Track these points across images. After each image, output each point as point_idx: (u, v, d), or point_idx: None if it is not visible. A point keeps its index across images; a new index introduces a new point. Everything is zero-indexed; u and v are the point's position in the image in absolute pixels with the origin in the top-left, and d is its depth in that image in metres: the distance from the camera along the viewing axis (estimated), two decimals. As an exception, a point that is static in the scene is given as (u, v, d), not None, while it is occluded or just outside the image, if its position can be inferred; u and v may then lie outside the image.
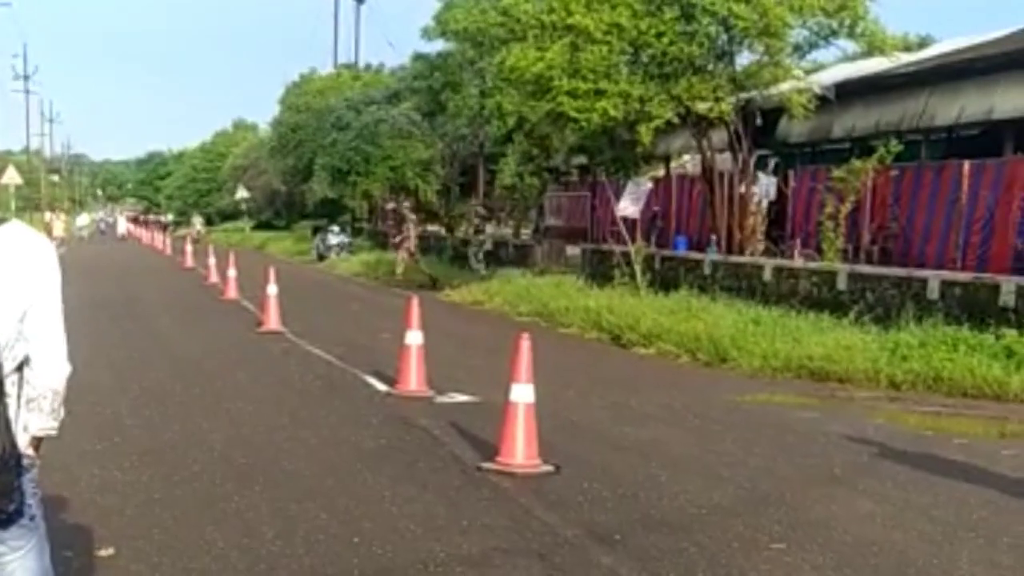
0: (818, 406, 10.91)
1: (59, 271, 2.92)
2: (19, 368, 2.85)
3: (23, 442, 2.87)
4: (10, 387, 2.81)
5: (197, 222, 62.17)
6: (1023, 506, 6.99)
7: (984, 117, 17.62)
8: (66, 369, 2.93)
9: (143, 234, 68.01)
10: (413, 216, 29.91)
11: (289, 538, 5.92)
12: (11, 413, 2.79)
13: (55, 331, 2.89)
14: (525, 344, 7.63)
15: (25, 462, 2.87)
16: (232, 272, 22.71)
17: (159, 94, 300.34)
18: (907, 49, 18.47)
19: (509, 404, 7.56)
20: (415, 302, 10.89)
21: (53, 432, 2.97)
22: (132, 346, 14.52)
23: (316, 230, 42.83)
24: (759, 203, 19.52)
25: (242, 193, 57.27)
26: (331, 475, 7.44)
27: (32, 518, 2.93)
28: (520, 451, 7.53)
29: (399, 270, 28.69)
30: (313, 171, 41.98)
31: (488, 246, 29.35)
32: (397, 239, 30.09)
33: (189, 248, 37.49)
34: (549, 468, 7.54)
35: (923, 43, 27.86)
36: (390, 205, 35.32)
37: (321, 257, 38.29)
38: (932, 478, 7.71)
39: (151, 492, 6.81)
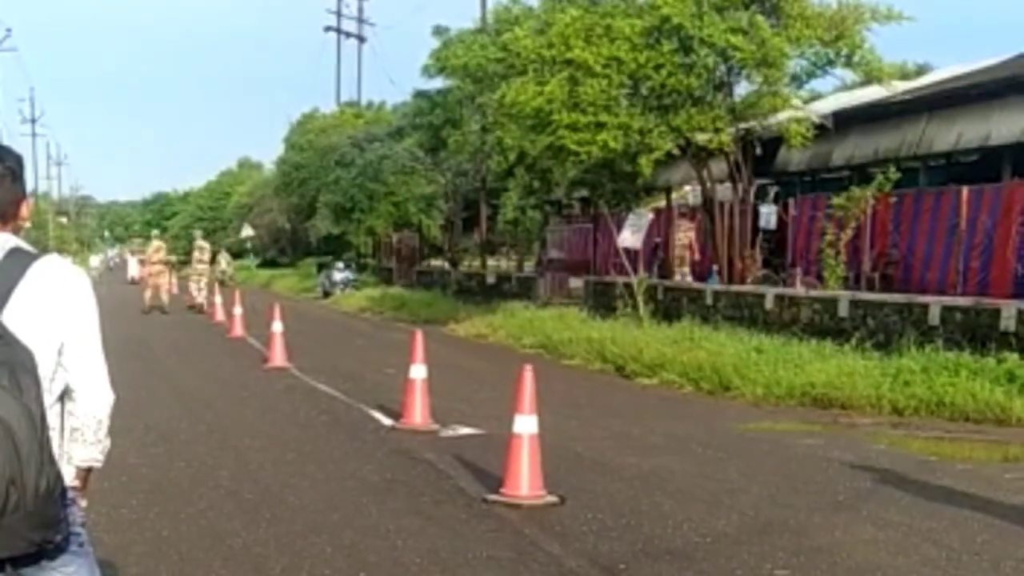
0: (821, 433, 10.94)
1: (95, 301, 2.94)
2: (61, 399, 2.85)
3: (68, 474, 2.85)
4: (54, 419, 2.79)
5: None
6: (1026, 529, 7.01)
7: (982, 143, 17.72)
8: (109, 397, 2.93)
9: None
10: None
11: (296, 572, 5.95)
12: (55, 446, 2.75)
13: (94, 360, 2.89)
14: (528, 376, 7.68)
15: (70, 495, 2.85)
16: (238, 310, 22.77)
17: (165, 135, 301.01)
18: (904, 77, 18.64)
19: (513, 436, 7.60)
20: (419, 337, 10.96)
21: (97, 463, 2.97)
22: (138, 385, 14.51)
23: (321, 267, 42.79)
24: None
25: (247, 231, 57.33)
26: (337, 509, 7.47)
27: (81, 544, 2.89)
28: (525, 483, 7.56)
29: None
30: (317, 208, 42.15)
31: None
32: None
33: (194, 287, 37.36)
34: (554, 499, 7.57)
35: (920, 71, 28.09)
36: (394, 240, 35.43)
37: (326, 294, 38.30)
38: (935, 503, 7.74)
39: (159, 530, 6.84)
